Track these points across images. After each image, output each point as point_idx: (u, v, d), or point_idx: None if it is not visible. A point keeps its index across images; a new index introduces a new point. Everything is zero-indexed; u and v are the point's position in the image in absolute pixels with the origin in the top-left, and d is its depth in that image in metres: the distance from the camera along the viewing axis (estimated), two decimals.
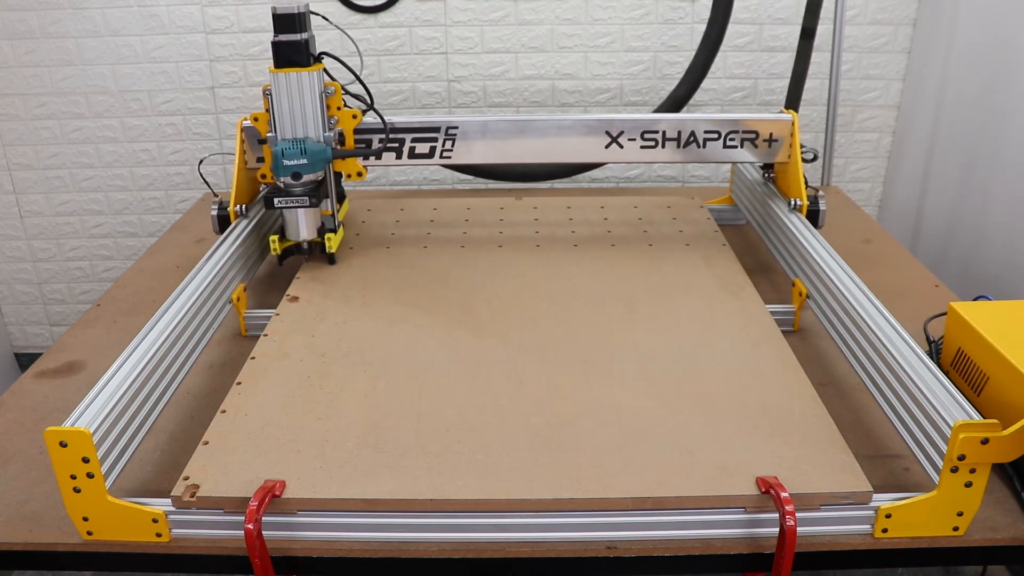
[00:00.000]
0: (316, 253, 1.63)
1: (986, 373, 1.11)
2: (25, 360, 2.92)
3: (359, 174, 1.63)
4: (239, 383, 1.23)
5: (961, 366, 1.18)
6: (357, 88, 1.59)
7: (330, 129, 1.54)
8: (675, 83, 2.14)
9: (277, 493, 0.99)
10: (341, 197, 1.75)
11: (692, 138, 1.65)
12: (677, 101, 2.11)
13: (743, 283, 1.53)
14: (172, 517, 1.01)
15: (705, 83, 2.12)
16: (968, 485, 0.97)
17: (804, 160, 1.67)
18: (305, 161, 1.48)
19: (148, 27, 2.44)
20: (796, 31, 2.14)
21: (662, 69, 2.49)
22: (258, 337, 1.37)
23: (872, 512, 1.00)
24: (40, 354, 1.46)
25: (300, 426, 1.12)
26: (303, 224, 1.58)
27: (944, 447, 0.96)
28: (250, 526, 0.94)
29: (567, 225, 1.84)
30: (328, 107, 1.55)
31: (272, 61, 1.49)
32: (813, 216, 1.63)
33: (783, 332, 1.36)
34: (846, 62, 2.44)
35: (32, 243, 2.76)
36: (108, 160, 2.62)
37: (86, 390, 1.04)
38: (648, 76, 2.50)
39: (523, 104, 2.54)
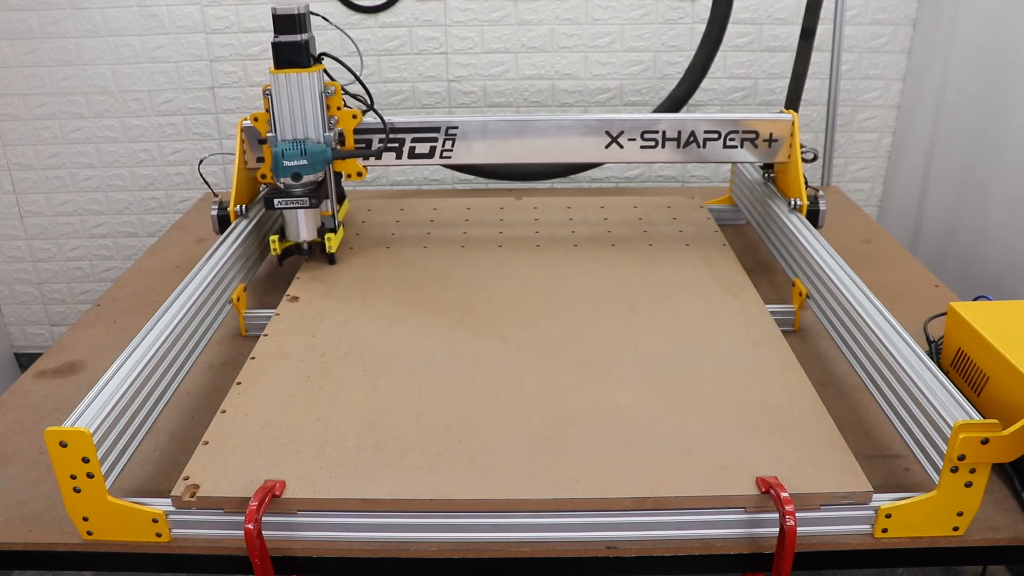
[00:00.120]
0: (316, 253, 1.63)
1: (986, 373, 1.11)
2: (25, 360, 2.93)
3: (359, 174, 1.63)
4: (239, 383, 1.23)
5: (961, 366, 1.18)
6: (357, 88, 1.59)
7: (330, 129, 1.54)
8: (675, 83, 2.14)
9: (277, 493, 0.99)
10: (341, 197, 1.75)
11: (692, 138, 1.65)
12: (677, 101, 2.11)
13: (743, 283, 1.53)
14: (172, 517, 1.01)
15: (705, 83, 2.12)
16: (968, 485, 0.97)
17: (804, 160, 1.67)
18: (305, 162, 1.48)
19: (148, 27, 2.44)
20: (796, 31, 2.14)
21: (662, 69, 2.49)
22: (258, 337, 1.37)
23: (872, 512, 1.00)
24: (40, 354, 1.46)
25: (300, 426, 1.12)
26: (303, 225, 1.58)
27: (944, 447, 0.96)
28: (250, 526, 0.94)
29: (567, 225, 1.84)
30: (328, 107, 1.55)
31: (272, 61, 1.49)
32: (813, 216, 1.63)
33: (783, 332, 1.36)
34: (846, 62, 2.44)
35: (32, 243, 2.76)
36: (108, 160, 2.62)
37: (86, 390, 1.04)
38: (648, 76, 2.50)
39: (523, 104, 2.54)
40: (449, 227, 1.84)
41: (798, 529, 0.94)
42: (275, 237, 1.58)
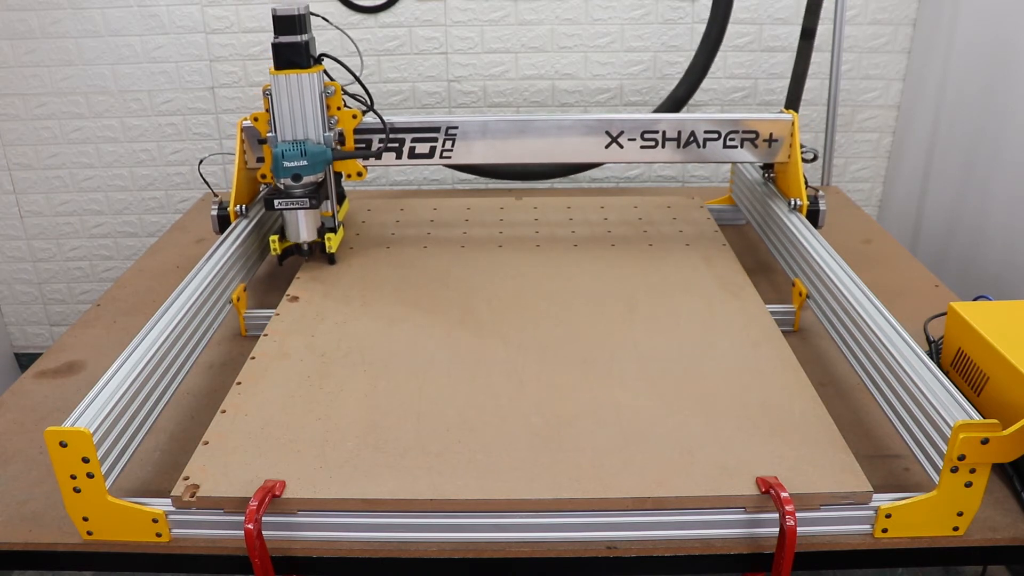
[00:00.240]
0: (316, 253, 1.63)
1: (986, 373, 1.11)
2: (25, 360, 2.93)
3: (359, 174, 1.63)
4: (239, 383, 1.23)
5: (961, 366, 1.18)
6: (357, 88, 1.59)
7: (330, 129, 1.54)
8: (675, 83, 2.14)
9: (277, 493, 0.99)
10: (341, 197, 1.75)
11: (692, 138, 1.65)
12: (677, 101, 2.11)
13: (743, 283, 1.53)
14: (172, 517, 1.01)
15: (705, 83, 2.12)
16: (968, 485, 0.97)
17: (804, 160, 1.67)
18: (305, 163, 1.48)
19: (148, 27, 2.44)
20: (796, 31, 2.14)
21: (662, 69, 2.49)
22: (258, 337, 1.37)
23: (872, 512, 1.00)
24: (40, 354, 1.46)
25: (300, 426, 1.12)
26: (303, 225, 1.58)
27: (944, 447, 0.96)
28: (250, 526, 0.94)
29: (567, 225, 1.84)
30: (328, 107, 1.55)
31: (272, 62, 1.49)
32: (813, 216, 1.63)
33: (783, 332, 1.36)
34: (846, 62, 2.44)
35: (32, 243, 2.76)
36: (108, 160, 2.62)
37: (86, 390, 1.04)
38: (648, 76, 2.50)
39: (523, 104, 2.54)
40: (449, 227, 1.84)
41: (798, 529, 0.94)
42: (275, 237, 1.58)
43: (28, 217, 2.71)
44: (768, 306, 1.44)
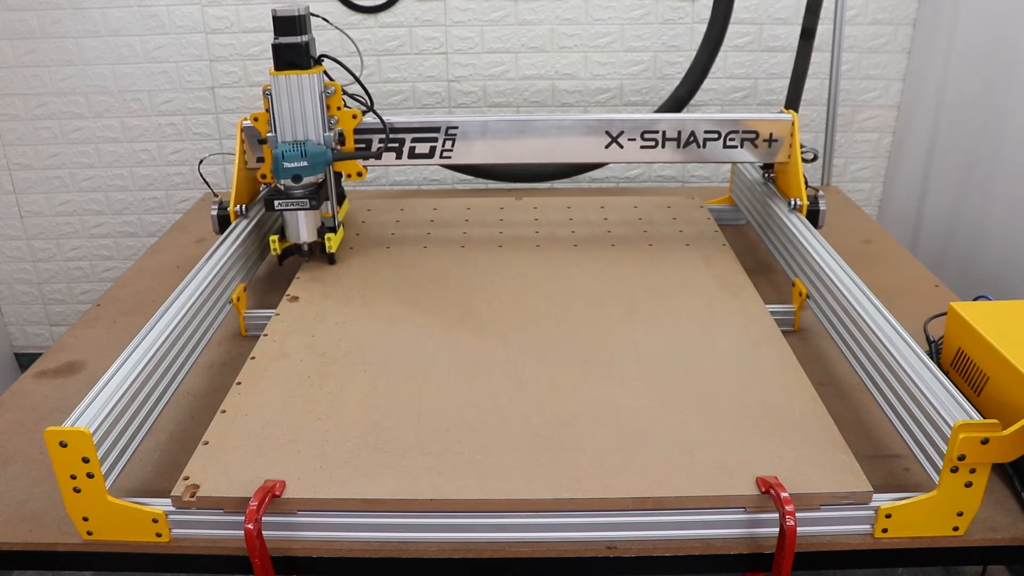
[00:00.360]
0: (316, 253, 1.63)
1: (986, 373, 1.11)
2: (25, 360, 2.93)
3: (359, 174, 1.63)
4: (239, 383, 1.23)
5: (961, 366, 1.18)
6: (357, 88, 1.59)
7: (330, 129, 1.54)
8: (675, 83, 2.14)
9: (277, 493, 0.99)
10: (341, 197, 1.75)
11: (692, 138, 1.65)
12: (678, 101, 2.12)
13: (743, 283, 1.53)
14: (172, 517, 1.01)
15: (705, 83, 2.12)
16: (968, 485, 0.97)
17: (804, 160, 1.67)
18: (305, 163, 1.48)
19: (148, 27, 2.44)
20: (796, 31, 2.14)
21: (662, 69, 2.49)
22: (258, 337, 1.37)
23: (872, 512, 1.00)
24: (40, 354, 1.46)
25: (300, 426, 1.12)
26: (303, 226, 1.58)
27: (944, 447, 0.96)
28: (250, 526, 0.94)
29: (567, 225, 1.84)
30: (328, 107, 1.55)
31: (272, 62, 1.49)
32: (813, 216, 1.63)
33: (783, 332, 1.36)
34: (846, 62, 2.44)
35: (32, 243, 2.76)
36: (108, 160, 2.62)
37: (86, 390, 1.04)
38: (648, 76, 2.50)
39: (523, 104, 2.54)
40: (449, 227, 1.84)
41: (798, 529, 0.94)
42: (275, 237, 1.58)
43: (28, 217, 2.71)
44: (768, 306, 1.44)
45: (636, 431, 1.10)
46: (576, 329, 1.37)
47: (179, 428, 1.22)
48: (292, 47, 1.47)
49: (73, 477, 0.96)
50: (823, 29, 2.12)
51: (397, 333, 1.37)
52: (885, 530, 1.00)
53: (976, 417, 0.96)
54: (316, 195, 1.51)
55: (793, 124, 1.65)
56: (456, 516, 1.00)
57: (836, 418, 1.13)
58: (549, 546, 1.01)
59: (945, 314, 1.23)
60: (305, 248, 1.60)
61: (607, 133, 1.64)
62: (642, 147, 1.66)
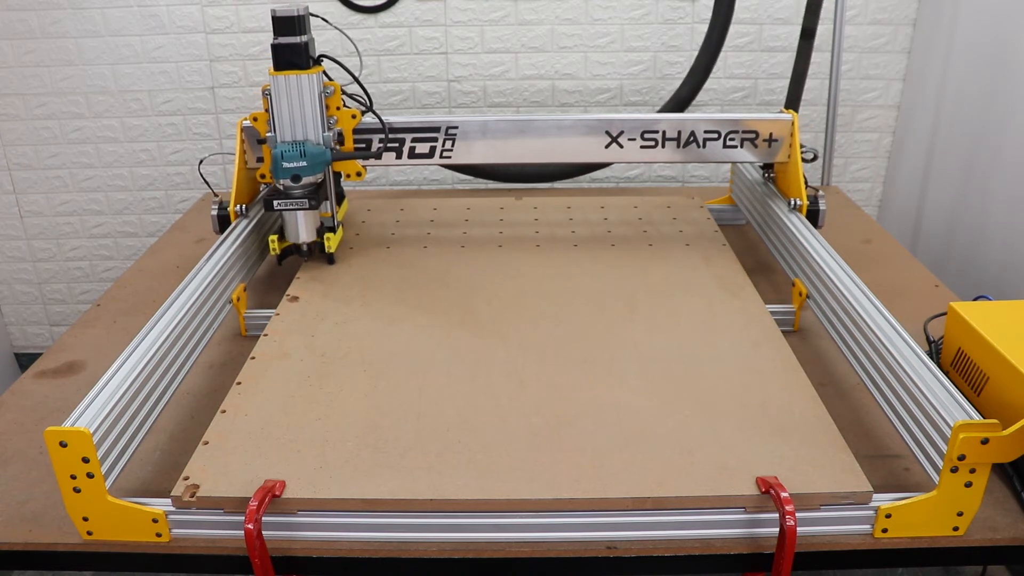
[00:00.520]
0: (315, 253, 1.63)
1: (986, 373, 1.11)
2: (25, 360, 2.92)
3: (358, 174, 1.63)
4: (239, 383, 1.23)
5: (961, 366, 1.18)
6: (357, 88, 1.59)
7: (329, 129, 1.54)
8: (675, 83, 2.15)
9: (277, 493, 0.99)
10: (341, 197, 1.75)
11: (692, 138, 1.65)
12: (680, 102, 2.12)
13: (743, 283, 1.53)
14: (172, 517, 1.01)
15: (705, 83, 2.12)
16: (968, 485, 0.97)
17: (804, 160, 1.67)
18: (305, 163, 1.48)
19: (148, 27, 2.44)
20: (796, 31, 2.14)
21: (662, 69, 2.49)
22: (258, 337, 1.37)
23: (872, 512, 1.00)
24: (40, 354, 1.46)
25: (300, 426, 1.12)
26: (302, 226, 1.58)
27: (944, 447, 0.96)
28: (250, 526, 0.94)
29: (567, 225, 1.84)
30: (327, 107, 1.55)
31: (272, 62, 1.49)
32: (813, 216, 1.63)
33: (783, 332, 1.36)
34: (846, 62, 2.44)
35: (32, 243, 2.76)
36: (108, 160, 2.62)
37: (86, 390, 1.04)
38: (648, 76, 2.50)
39: (523, 104, 2.54)
40: (449, 227, 1.84)
41: (798, 529, 0.94)
42: (274, 237, 1.58)
43: (28, 217, 2.71)
44: (768, 306, 1.44)
45: (636, 431, 1.10)
46: (576, 329, 1.37)
47: (179, 428, 1.22)
48: (291, 47, 1.47)
49: (73, 477, 0.96)
50: (823, 29, 2.12)
51: (397, 333, 1.37)
52: (885, 530, 1.00)
53: (976, 417, 0.96)
54: (315, 195, 1.51)
55: (793, 124, 1.65)
56: (456, 516, 1.00)
57: (836, 418, 1.13)
58: (549, 546, 1.01)
59: (945, 314, 1.23)
60: (304, 248, 1.60)
61: (607, 133, 1.64)
62: (642, 147, 1.66)
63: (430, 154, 1.67)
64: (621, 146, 1.65)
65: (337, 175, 1.64)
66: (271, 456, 1.06)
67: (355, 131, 1.61)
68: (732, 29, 2.08)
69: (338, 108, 1.57)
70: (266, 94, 1.50)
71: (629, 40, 2.46)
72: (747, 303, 1.45)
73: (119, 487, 1.04)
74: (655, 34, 2.45)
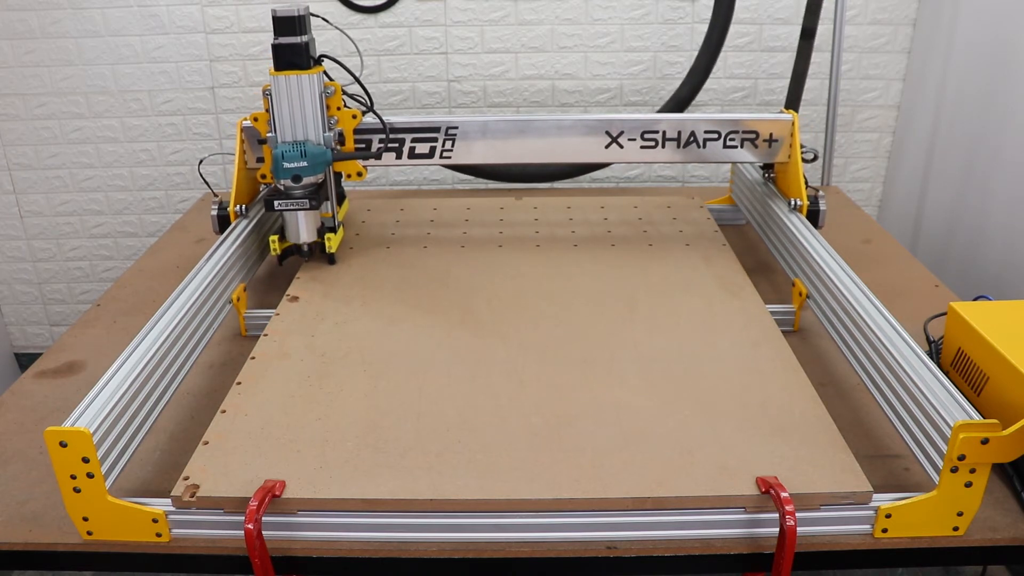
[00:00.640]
0: (316, 253, 1.63)
1: (986, 373, 1.11)
2: (25, 360, 2.93)
3: (359, 174, 1.63)
4: (239, 383, 1.23)
5: (961, 366, 1.18)
6: (357, 88, 1.59)
7: (330, 129, 1.54)
8: (675, 83, 2.15)
9: (277, 493, 0.99)
10: (341, 197, 1.75)
11: (692, 138, 1.65)
12: (680, 102, 2.12)
13: (743, 283, 1.53)
14: (172, 517, 1.01)
15: (705, 83, 2.12)
16: (968, 485, 0.97)
17: (804, 160, 1.67)
18: (305, 164, 1.48)
19: (148, 27, 2.44)
20: (796, 31, 2.14)
21: (662, 69, 2.49)
22: (258, 337, 1.37)
23: (872, 512, 1.00)
24: (40, 354, 1.46)
25: (300, 426, 1.12)
26: (303, 226, 1.58)
27: (944, 447, 0.96)
28: (250, 526, 0.94)
29: (567, 225, 1.84)
30: (328, 107, 1.55)
31: (272, 62, 1.49)
32: (813, 216, 1.63)
33: (783, 332, 1.36)
34: (846, 62, 2.44)
35: (32, 243, 2.76)
36: (108, 160, 2.62)
37: (86, 390, 1.04)
38: (648, 76, 2.50)
39: (523, 104, 2.54)
40: (449, 227, 1.84)
41: (798, 529, 0.94)
42: (275, 237, 1.58)
43: (28, 217, 2.71)
44: (768, 306, 1.44)
45: (636, 431, 1.10)
46: (576, 329, 1.37)
47: (179, 428, 1.22)
48: (292, 47, 1.47)
49: (73, 477, 0.96)
50: (823, 29, 2.12)
51: (397, 333, 1.37)
52: (885, 530, 1.00)
53: (976, 417, 0.96)
54: (316, 195, 1.51)
55: (793, 124, 1.65)
56: (456, 516, 1.00)
57: (836, 418, 1.13)
58: (549, 546, 1.01)
59: (945, 314, 1.23)
60: (305, 248, 1.60)
61: (607, 133, 1.64)
62: (642, 147, 1.66)
63: (430, 154, 1.67)
64: (621, 146, 1.65)
65: (338, 175, 1.64)
66: (271, 456, 1.06)
67: (356, 131, 1.61)
68: (732, 29, 2.08)
69: (339, 108, 1.57)
70: (267, 94, 1.50)
71: (629, 40, 2.46)
72: (747, 303, 1.45)
73: (119, 487, 1.04)
74: (655, 34, 2.45)
